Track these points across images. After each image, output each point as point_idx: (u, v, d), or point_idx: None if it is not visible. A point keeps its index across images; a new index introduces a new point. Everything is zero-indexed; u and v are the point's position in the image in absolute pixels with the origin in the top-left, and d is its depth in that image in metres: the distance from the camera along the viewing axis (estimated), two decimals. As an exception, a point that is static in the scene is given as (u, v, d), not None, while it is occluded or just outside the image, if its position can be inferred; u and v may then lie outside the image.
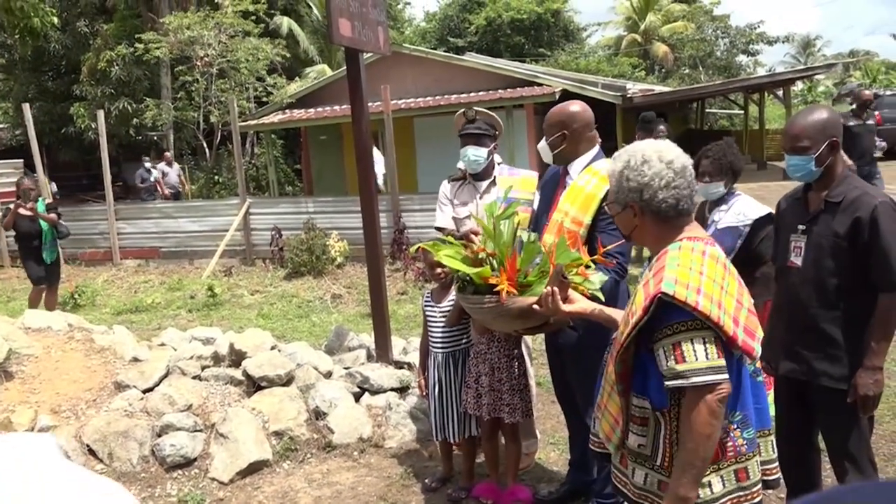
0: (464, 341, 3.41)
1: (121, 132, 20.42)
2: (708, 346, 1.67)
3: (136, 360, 4.77)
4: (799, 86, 31.73)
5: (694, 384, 1.65)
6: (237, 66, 16.85)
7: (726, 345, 1.70)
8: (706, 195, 3.56)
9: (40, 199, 7.90)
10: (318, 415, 4.20)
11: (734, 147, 3.56)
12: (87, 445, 3.87)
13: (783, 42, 32.26)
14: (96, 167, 26.88)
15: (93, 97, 20.24)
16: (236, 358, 4.59)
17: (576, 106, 2.89)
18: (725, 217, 3.36)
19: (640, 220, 1.84)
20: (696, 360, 1.65)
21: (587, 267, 2.28)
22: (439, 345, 3.43)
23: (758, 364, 1.99)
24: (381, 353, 4.75)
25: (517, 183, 3.44)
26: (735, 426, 1.79)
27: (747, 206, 3.34)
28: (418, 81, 16.59)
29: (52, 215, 7.62)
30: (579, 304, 2.11)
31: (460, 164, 3.64)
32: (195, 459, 3.87)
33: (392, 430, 4.13)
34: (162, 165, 15.07)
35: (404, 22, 34.49)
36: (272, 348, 4.81)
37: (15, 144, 22.98)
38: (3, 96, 25.42)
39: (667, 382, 1.70)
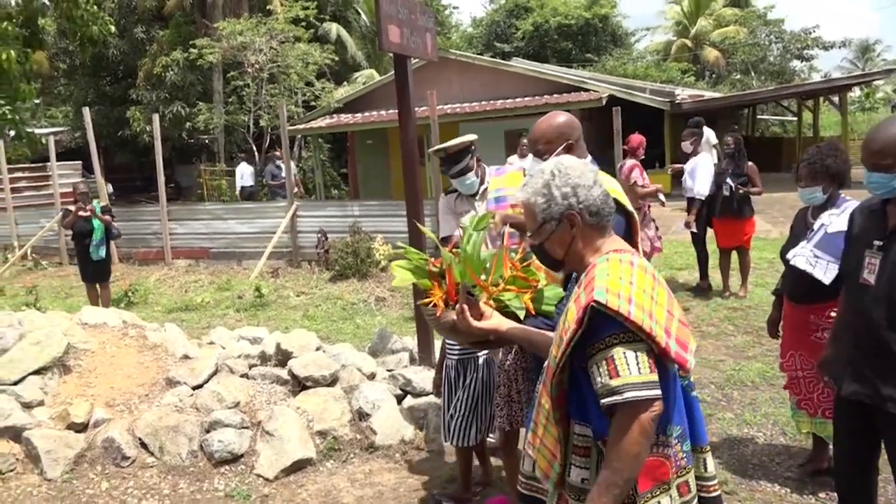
0: (473, 352, 3.33)
1: (174, 135, 21.02)
2: (640, 359, 1.59)
3: (186, 357, 4.90)
4: (856, 92, 30.75)
5: (627, 399, 1.56)
6: (287, 71, 17.18)
7: (659, 357, 1.63)
8: (805, 200, 3.49)
9: (95, 200, 8.21)
10: (362, 416, 4.25)
11: (835, 150, 3.42)
12: (140, 439, 3.99)
13: (840, 47, 31.34)
14: (150, 169, 27.65)
15: (148, 101, 20.87)
16: (283, 357, 4.68)
17: (563, 116, 2.73)
18: (837, 221, 3.22)
19: (578, 230, 1.78)
20: (630, 373, 1.57)
21: (526, 284, 2.21)
22: (454, 349, 3.39)
23: (692, 378, 1.90)
24: (424, 356, 4.78)
25: (504, 181, 3.46)
26: (676, 440, 1.73)
27: None
28: (465, 87, 16.65)
29: (107, 217, 7.90)
30: (491, 321, 2.02)
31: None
32: (242, 456, 3.96)
33: (434, 433, 4.15)
34: (280, 163, 14.92)
35: (451, 27, 34.67)
36: (317, 349, 4.88)
37: (74, 146, 23.84)
38: (64, 100, 26.41)
39: (602, 400, 1.61)
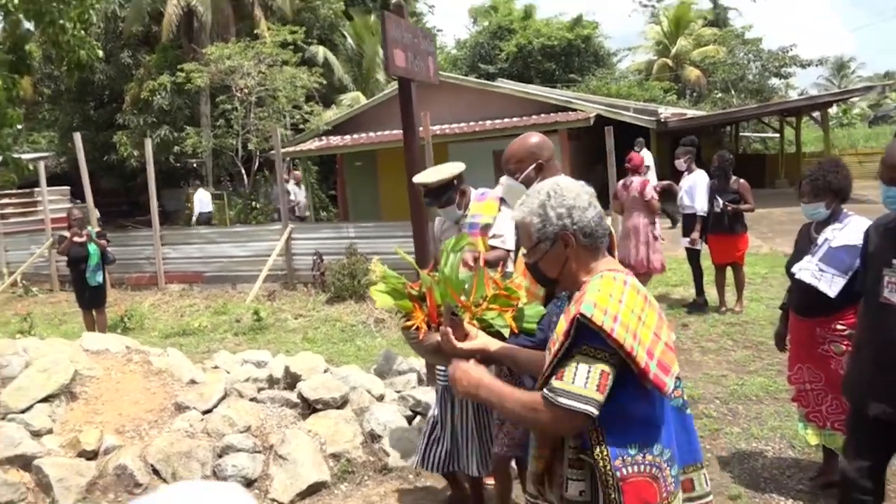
0: None
1: (161, 159, 20.94)
2: (592, 374, 1.63)
3: (193, 382, 4.88)
4: (834, 108, 31.34)
5: (559, 404, 1.63)
6: (275, 94, 17.25)
7: (639, 377, 1.67)
8: (808, 216, 3.57)
9: (88, 226, 8.18)
10: (374, 437, 4.25)
11: (836, 166, 3.50)
12: (152, 465, 3.96)
13: (817, 65, 32.04)
14: (136, 194, 27.57)
15: (135, 126, 20.84)
16: (291, 381, 4.68)
17: (535, 137, 2.75)
18: (841, 235, 3.31)
19: (572, 251, 1.82)
20: (574, 383, 1.63)
21: (508, 302, 2.22)
22: (441, 375, 3.33)
23: (684, 397, 1.94)
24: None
25: (482, 207, 3.54)
26: (666, 464, 1.76)
27: (866, 224, 3.28)
28: (453, 108, 16.79)
29: (103, 241, 7.88)
30: (476, 341, 2.03)
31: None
32: (255, 480, 3.94)
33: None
34: (291, 185, 14.69)
35: (436, 49, 34.96)
36: (325, 371, 4.89)
37: (59, 172, 23.71)
38: (49, 125, 26.28)
39: (538, 389, 1.71)
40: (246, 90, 16.58)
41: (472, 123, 16.38)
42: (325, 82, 19.05)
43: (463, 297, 2.20)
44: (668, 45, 33.17)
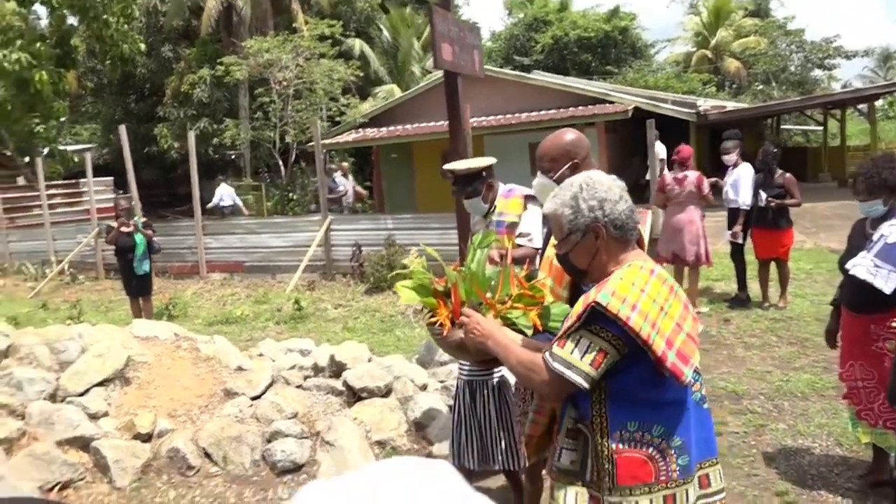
0: (486, 373, 3.16)
1: (200, 151, 21.25)
2: (592, 348, 1.72)
3: (240, 368, 4.99)
4: (879, 101, 30.52)
5: (552, 368, 1.74)
6: (312, 87, 17.40)
7: (655, 365, 1.71)
8: (865, 213, 3.53)
9: (135, 216, 8.38)
10: (418, 426, 4.31)
11: (891, 162, 3.46)
12: (204, 449, 4.08)
13: (862, 56, 31.22)
14: (175, 185, 28.08)
15: (175, 118, 21.22)
16: (336, 369, 4.76)
17: (571, 134, 2.68)
18: None
19: (602, 242, 1.86)
20: (572, 354, 1.73)
21: (533, 301, 2.20)
22: (465, 370, 3.27)
23: (703, 391, 1.93)
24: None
25: (507, 205, 3.51)
26: (673, 452, 1.78)
27: None
28: (490, 100, 16.76)
29: (149, 231, 8.07)
30: (497, 336, 2.01)
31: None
32: (303, 465, 4.03)
33: (490, 443, 4.19)
34: (339, 176, 14.67)
35: (481, 43, 34.85)
36: (369, 360, 4.96)
37: (102, 163, 24.28)
38: (92, 118, 26.90)
39: (543, 352, 1.80)
40: (284, 83, 16.76)
41: (508, 116, 16.33)
42: (361, 75, 19.16)
43: (488, 295, 2.21)
44: (707, 36, 32.60)
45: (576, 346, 1.73)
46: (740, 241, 7.19)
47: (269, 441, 4.11)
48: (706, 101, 19.59)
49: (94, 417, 4.20)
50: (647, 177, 10.30)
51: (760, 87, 29.15)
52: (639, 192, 15.80)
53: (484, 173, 3.57)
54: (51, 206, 14.36)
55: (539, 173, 2.70)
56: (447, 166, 3.68)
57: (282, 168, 18.98)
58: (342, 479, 0.57)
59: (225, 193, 16.73)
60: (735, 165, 7.15)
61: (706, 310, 7.17)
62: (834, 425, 4.33)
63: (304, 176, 19.33)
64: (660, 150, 13.11)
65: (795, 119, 27.23)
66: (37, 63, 15.01)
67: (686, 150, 7.07)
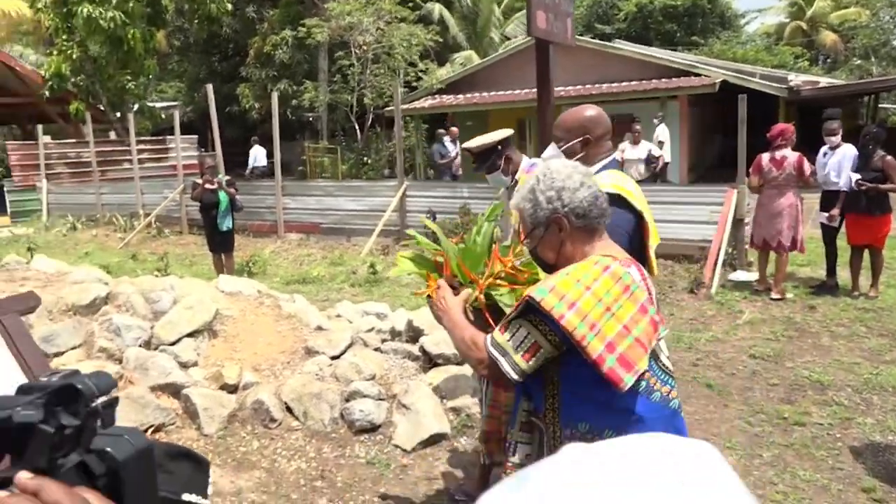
0: None
1: (279, 112, 21.72)
2: (527, 340, 1.68)
3: (320, 328, 5.13)
4: None
5: (489, 352, 1.73)
6: (391, 51, 17.42)
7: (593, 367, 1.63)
8: None
9: (220, 174, 8.64)
10: (492, 395, 4.34)
11: None
12: (285, 403, 4.23)
13: (974, 31, 28.94)
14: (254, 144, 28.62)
15: (257, 79, 21.65)
16: (413, 334, 4.83)
17: (592, 110, 2.64)
18: None
19: (566, 234, 1.79)
20: (508, 341, 1.70)
21: (516, 280, 2.16)
22: None
23: (672, 394, 1.82)
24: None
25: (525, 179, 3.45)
26: None
27: None
28: (568, 69, 16.38)
29: (232, 189, 8.31)
30: (452, 313, 1.97)
31: None
32: (380, 426, 4.14)
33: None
34: (448, 141, 14.36)
35: (573, 9, 34.08)
36: (445, 327, 5.01)
37: (185, 121, 25.07)
38: (179, 76, 27.73)
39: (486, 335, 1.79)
40: (364, 46, 16.83)
41: (588, 86, 15.98)
42: (440, 40, 19.05)
43: (482, 269, 2.17)
44: (803, 6, 30.90)
45: (513, 335, 1.70)
46: (835, 224, 6.87)
47: (347, 400, 4.23)
48: (797, 76, 18.63)
49: (184, 366, 4.41)
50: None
51: (859, 62, 27.51)
52: (726, 172, 15.26)
53: (499, 146, 3.55)
54: (139, 161, 14.96)
55: (552, 144, 2.68)
56: (465, 145, 3.69)
57: (357, 132, 19.18)
58: (597, 455, 0.55)
59: (259, 154, 17.01)
60: (837, 146, 6.80)
61: (790, 295, 6.92)
62: (928, 424, 4.14)
63: (379, 140, 19.49)
64: (661, 132, 12.75)
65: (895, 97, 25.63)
66: (130, 21, 15.54)
67: (788, 128, 6.76)
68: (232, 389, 4.32)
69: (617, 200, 2.23)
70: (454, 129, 15.63)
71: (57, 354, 4.26)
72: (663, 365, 1.80)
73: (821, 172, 6.95)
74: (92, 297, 4.73)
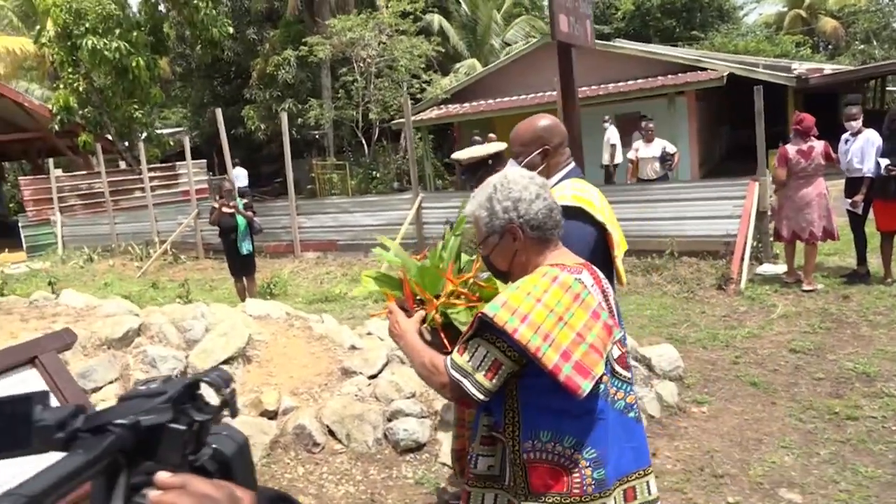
0: None
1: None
2: (487, 359, 1.66)
3: (353, 347, 5.08)
4: None
5: (450, 375, 1.69)
6: (394, 64, 17.46)
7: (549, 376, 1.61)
8: None
9: (238, 198, 8.61)
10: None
11: None
12: (327, 426, 4.17)
13: (976, 8, 28.78)
14: (260, 165, 28.81)
15: (262, 100, 21.75)
16: (449, 348, 4.77)
17: (546, 120, 2.53)
18: None
19: (521, 243, 1.79)
20: (468, 362, 1.67)
21: (469, 299, 2.08)
22: None
23: (629, 399, 1.81)
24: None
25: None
26: (587, 464, 1.68)
27: None
28: (573, 71, 16.37)
29: (249, 213, 8.28)
30: (408, 336, 1.94)
31: None
32: (425, 444, 4.07)
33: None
34: None
35: (592, 12, 34.16)
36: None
37: (192, 146, 25.18)
38: (182, 102, 27.91)
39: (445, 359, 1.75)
40: (368, 60, 16.87)
41: (593, 87, 15.92)
42: (442, 50, 19.08)
43: (442, 286, 2.11)
44: (801, -6, 30.82)
45: (472, 355, 1.68)
46: (859, 211, 6.78)
47: (389, 420, 4.16)
48: (801, 65, 18.55)
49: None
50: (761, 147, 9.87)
51: (861, 46, 27.38)
52: (736, 165, 15.20)
53: (489, 161, 3.47)
54: (151, 189, 15.00)
55: (511, 159, 2.57)
56: (454, 155, 3.64)
57: (364, 147, 19.21)
58: None
59: (241, 175, 17.06)
60: (858, 132, 6.72)
61: (822, 286, 6.82)
62: (985, 411, 4.04)
63: (386, 154, 19.51)
64: (611, 135, 12.93)
65: (901, 80, 25.46)
66: (134, 50, 15.64)
67: (809, 118, 6.69)
68: (272, 415, 4.27)
69: (578, 213, 2.21)
70: (491, 135, 15.68)
71: (95, 390, 4.22)
72: (617, 370, 1.80)
73: (843, 160, 6.86)
74: (125, 329, 4.69)
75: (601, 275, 1.83)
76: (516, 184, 1.81)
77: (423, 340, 1.94)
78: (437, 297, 2.10)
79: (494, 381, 1.67)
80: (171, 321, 4.90)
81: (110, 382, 4.34)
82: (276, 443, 4.14)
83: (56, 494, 0.62)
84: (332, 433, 4.17)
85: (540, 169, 2.43)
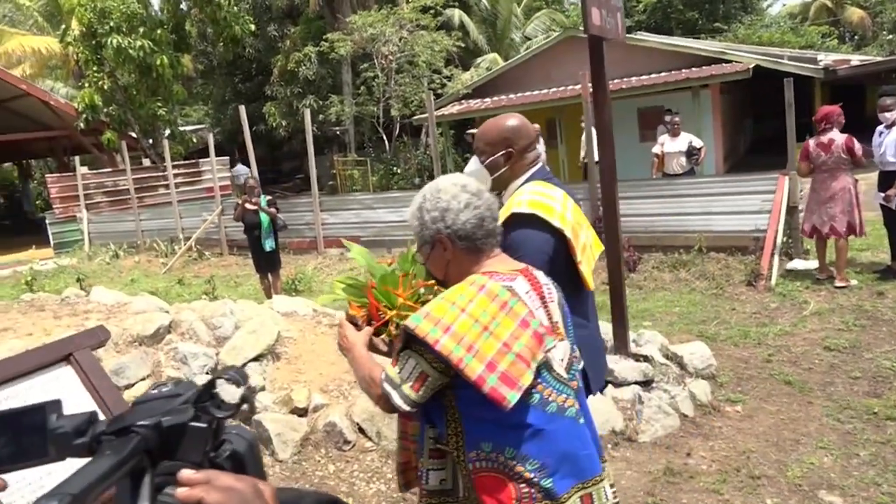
0: None
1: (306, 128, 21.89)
2: (415, 371, 1.62)
3: (381, 344, 5.06)
4: None
5: (383, 389, 1.66)
6: (415, 59, 17.41)
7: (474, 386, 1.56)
8: None
9: (262, 195, 8.62)
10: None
11: None
12: (357, 423, 4.16)
13: None
14: (281, 162, 28.93)
15: (283, 97, 21.82)
16: (478, 346, 4.74)
17: (514, 119, 2.45)
18: None
19: (452, 253, 1.75)
20: (399, 373, 1.64)
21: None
22: None
23: (577, 406, 1.73)
24: (620, 344, 4.70)
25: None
26: (531, 474, 1.62)
27: None
28: (595, 65, 16.24)
29: (272, 209, 8.29)
30: (355, 350, 1.90)
31: None
32: (456, 442, 4.04)
33: (644, 424, 4.08)
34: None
35: (571, 4, 33.93)
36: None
37: (214, 143, 25.37)
38: (204, 99, 28.10)
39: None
40: (390, 56, 16.85)
41: (616, 80, 15.73)
42: (462, 45, 19.01)
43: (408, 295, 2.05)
44: (826, -16, 30.30)
45: (402, 367, 1.65)
46: (892, 205, 6.64)
47: (420, 417, 4.14)
48: (827, 56, 18.22)
49: (252, 392, 4.37)
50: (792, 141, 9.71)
51: (889, 37, 26.86)
52: (761, 158, 14.97)
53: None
54: (176, 186, 15.12)
55: (474, 157, 2.51)
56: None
57: (385, 143, 19.20)
58: None
59: (241, 173, 17.15)
60: (893, 123, 6.57)
61: (855, 282, 6.69)
62: None
63: (407, 149, 19.49)
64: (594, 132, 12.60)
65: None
66: (157, 48, 15.76)
67: (830, 111, 6.56)
68: (302, 413, 4.27)
69: (533, 222, 2.16)
70: (536, 125, 15.58)
71: (127, 387, 4.25)
72: (557, 374, 1.71)
73: (877, 152, 6.72)
74: (156, 326, 4.71)
75: (544, 280, 1.77)
76: (446, 192, 1.77)
77: (379, 352, 1.94)
78: (395, 307, 2.06)
79: (421, 392, 1.63)
80: (201, 318, 4.93)
81: (142, 379, 4.37)
82: (307, 440, 4.15)
83: (94, 493, 0.63)
84: (362, 431, 4.16)
85: (503, 170, 2.40)
